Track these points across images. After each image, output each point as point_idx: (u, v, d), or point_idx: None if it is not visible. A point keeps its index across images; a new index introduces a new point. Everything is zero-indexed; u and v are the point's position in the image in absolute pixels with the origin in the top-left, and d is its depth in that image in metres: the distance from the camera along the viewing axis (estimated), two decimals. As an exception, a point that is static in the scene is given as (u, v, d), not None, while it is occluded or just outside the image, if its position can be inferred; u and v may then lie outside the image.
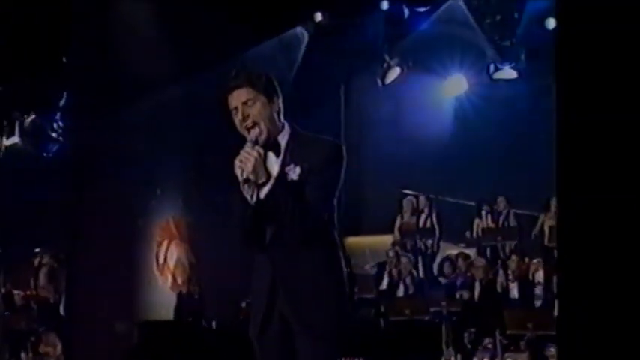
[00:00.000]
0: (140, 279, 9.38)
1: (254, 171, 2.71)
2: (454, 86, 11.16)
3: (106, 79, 8.48)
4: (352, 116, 12.00)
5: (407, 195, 10.93)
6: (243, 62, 9.17)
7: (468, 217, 10.71)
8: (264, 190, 2.73)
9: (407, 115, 11.37)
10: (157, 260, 9.69)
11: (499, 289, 8.95)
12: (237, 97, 2.82)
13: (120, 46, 8.45)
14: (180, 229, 9.93)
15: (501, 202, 10.40)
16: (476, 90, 10.93)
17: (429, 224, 10.62)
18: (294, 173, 2.76)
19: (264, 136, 2.79)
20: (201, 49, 8.79)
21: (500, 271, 9.43)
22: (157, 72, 8.85)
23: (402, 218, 10.79)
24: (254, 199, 2.76)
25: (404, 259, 9.65)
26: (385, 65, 10.49)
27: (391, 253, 9.83)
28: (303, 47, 10.25)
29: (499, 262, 9.93)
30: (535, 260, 9.26)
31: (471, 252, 10.27)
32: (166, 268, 9.72)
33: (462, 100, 11.17)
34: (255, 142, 2.76)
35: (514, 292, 8.89)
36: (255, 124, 2.79)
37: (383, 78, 10.63)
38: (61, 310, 8.97)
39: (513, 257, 9.20)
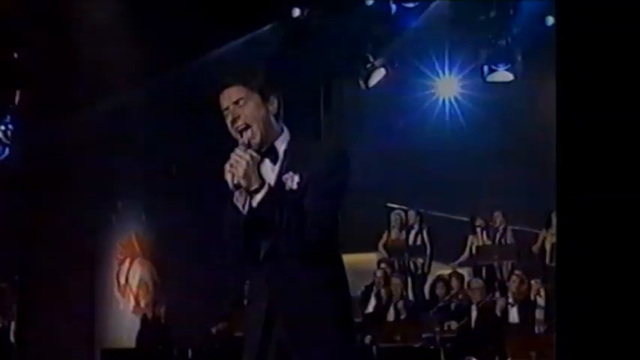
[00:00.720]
0: (99, 302, 9.44)
1: (245, 176, 2.71)
2: (444, 90, 11.45)
3: (63, 78, 8.58)
4: (332, 122, 12.20)
5: (394, 209, 11.14)
6: (211, 61, 9.37)
7: (462, 233, 10.94)
8: (257, 197, 2.73)
9: (393, 121, 11.57)
10: (118, 281, 9.78)
11: (498, 314, 9.09)
12: (228, 97, 2.83)
13: (78, 42, 8.57)
14: (143, 247, 10.03)
15: (497, 217, 10.61)
16: (468, 94, 11.22)
17: (419, 241, 10.79)
18: (292, 182, 2.77)
19: (257, 140, 2.80)
20: (168, 46, 8.89)
21: (498, 294, 9.66)
22: (119, 70, 8.96)
23: (389, 235, 10.96)
24: (246, 207, 2.75)
25: (395, 280, 9.77)
26: (369, 66, 10.69)
27: (379, 274, 9.96)
28: (278, 46, 10.39)
29: (496, 283, 10.17)
30: (535, 281, 9.29)
31: (465, 272, 10.50)
32: (128, 290, 9.83)
33: (453, 105, 11.44)
34: (248, 146, 2.78)
35: (514, 317, 9.02)
36: (247, 127, 2.80)
37: (366, 80, 10.81)
38: (11, 338, 9.03)
39: (514, 278, 9.33)
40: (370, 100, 11.68)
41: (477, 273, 10.44)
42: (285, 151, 2.85)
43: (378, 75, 10.76)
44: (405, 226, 10.91)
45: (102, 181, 9.28)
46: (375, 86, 10.86)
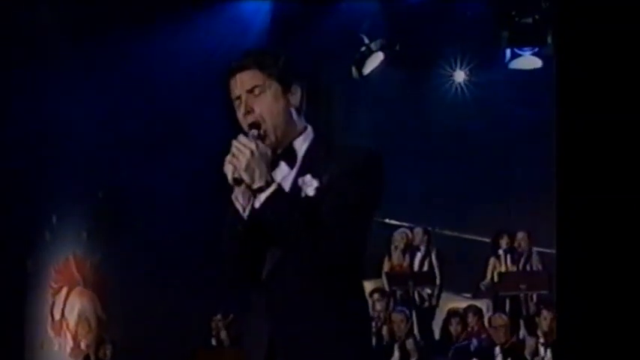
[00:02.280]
0: (29, 342, 9.79)
1: (248, 168, 2.79)
2: (457, 78, 11.87)
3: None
4: (320, 117, 12.60)
5: (396, 226, 11.54)
6: (176, 38, 9.77)
7: (479, 256, 11.43)
8: (262, 197, 2.81)
9: (392, 116, 11.99)
10: (52, 315, 10.13)
11: (528, 357, 9.46)
12: (241, 83, 2.94)
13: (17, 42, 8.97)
14: (84, 272, 10.39)
15: (522, 238, 11.11)
16: (486, 84, 11.64)
17: (426, 266, 11.21)
18: (309, 187, 2.86)
19: (271, 139, 2.92)
20: (120, 20, 9.34)
21: (526, 332, 10.13)
22: (56, 45, 9.37)
23: (390, 258, 11.35)
24: (247, 210, 2.86)
25: (397, 316, 10.16)
26: (364, 49, 11.12)
27: (379, 306, 10.41)
28: (259, 24, 10.73)
29: (521, 320, 10.67)
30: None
31: (483, 305, 11.00)
32: (65, 326, 10.15)
33: (467, 97, 11.88)
34: (258, 137, 2.88)
35: (547, 361, 9.38)
36: (259, 123, 2.91)
37: (360, 67, 11.23)
38: None
39: (545, 313, 9.63)
40: (364, 91, 12.03)
41: (498, 306, 10.89)
42: (306, 153, 2.96)
43: (375, 60, 11.15)
44: (410, 248, 11.31)
45: (31, 188, 9.56)
46: (371, 74, 11.27)
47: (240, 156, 2.80)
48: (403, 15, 11.01)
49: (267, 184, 2.81)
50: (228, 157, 2.83)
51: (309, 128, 3.02)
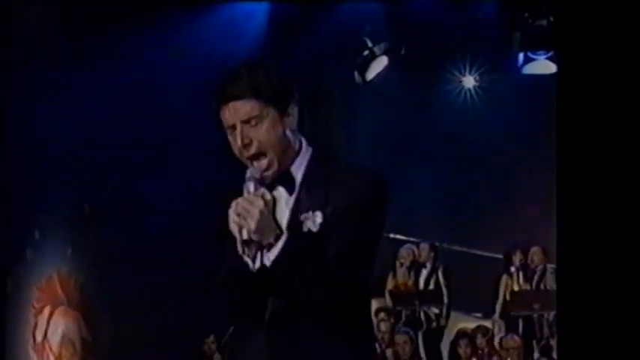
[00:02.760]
0: None
1: (259, 229, 2.88)
2: (466, 84, 12.02)
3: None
4: (320, 126, 12.69)
5: (402, 242, 11.70)
6: (175, 39, 9.96)
7: (490, 274, 11.63)
8: (271, 255, 2.92)
9: (397, 124, 12.14)
10: (34, 337, 10.24)
11: None
12: (235, 113, 2.99)
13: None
14: (68, 291, 10.48)
15: (536, 253, 11.33)
16: (498, 89, 11.80)
17: (432, 284, 11.44)
18: (312, 222, 2.96)
19: (274, 169, 3.01)
20: (119, 20, 9.56)
21: (539, 354, 10.33)
22: (41, 52, 9.56)
23: (395, 275, 11.56)
24: (257, 263, 2.96)
25: (401, 338, 10.38)
26: (367, 53, 11.29)
27: (383, 327, 10.59)
28: (256, 26, 10.88)
29: (534, 342, 10.84)
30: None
31: (494, 325, 11.15)
32: (47, 348, 10.26)
33: (477, 104, 12.04)
34: (261, 181, 2.97)
35: (564, 388, 9.62)
36: (261, 155, 2.98)
37: (363, 72, 11.41)
38: None
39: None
40: (367, 98, 12.16)
41: (510, 327, 11.07)
42: (304, 177, 3.06)
43: (379, 65, 11.32)
44: (415, 265, 11.52)
45: (11, 200, 9.70)
46: (374, 79, 11.42)
47: (249, 218, 2.89)
48: (408, 16, 11.12)
49: (277, 238, 2.93)
50: (234, 216, 2.91)
51: (304, 144, 3.11)
